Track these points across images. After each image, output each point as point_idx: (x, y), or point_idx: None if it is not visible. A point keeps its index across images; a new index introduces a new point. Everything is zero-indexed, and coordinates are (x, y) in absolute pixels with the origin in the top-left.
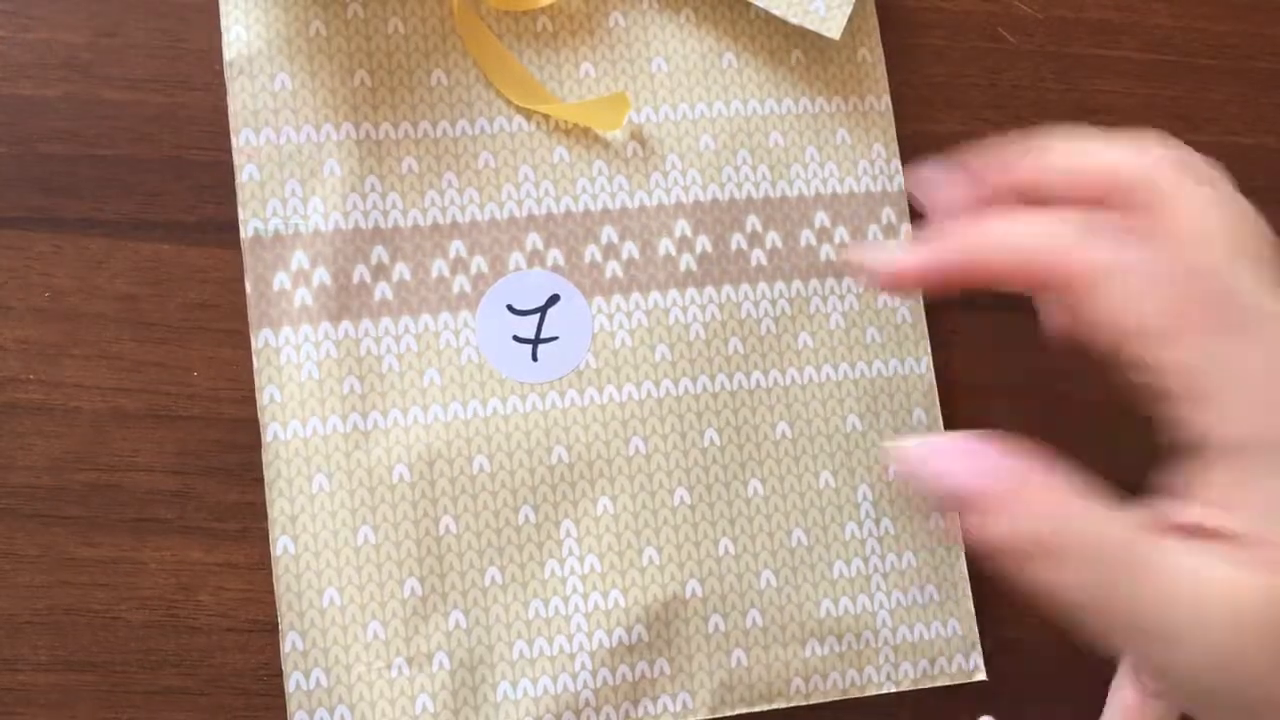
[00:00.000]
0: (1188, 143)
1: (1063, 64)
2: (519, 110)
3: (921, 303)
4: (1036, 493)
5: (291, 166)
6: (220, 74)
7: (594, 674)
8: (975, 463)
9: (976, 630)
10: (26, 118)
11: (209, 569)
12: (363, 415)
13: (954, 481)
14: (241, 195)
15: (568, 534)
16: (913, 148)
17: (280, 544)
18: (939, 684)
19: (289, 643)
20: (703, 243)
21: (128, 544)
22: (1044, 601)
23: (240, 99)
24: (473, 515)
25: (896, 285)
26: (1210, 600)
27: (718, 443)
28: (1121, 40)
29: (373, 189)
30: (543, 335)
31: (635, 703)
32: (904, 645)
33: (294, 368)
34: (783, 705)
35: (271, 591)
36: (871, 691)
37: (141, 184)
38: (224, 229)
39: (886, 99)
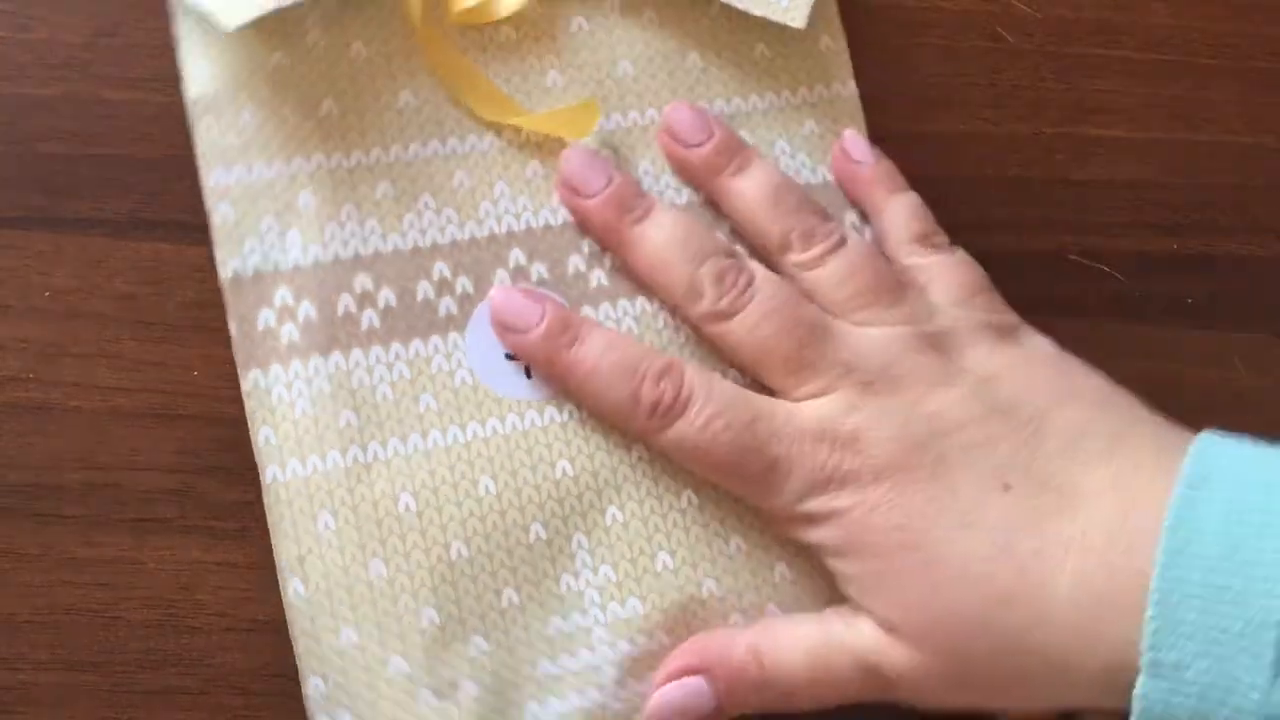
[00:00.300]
0: (1188, 142)
1: (1062, 64)
2: (489, 126)
3: None
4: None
5: (265, 202)
6: None
7: (621, 684)
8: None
9: None
10: (26, 117)
11: (209, 569)
12: (362, 447)
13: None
14: (217, 236)
15: (580, 546)
16: (912, 147)
17: (291, 587)
18: None
19: (312, 686)
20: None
21: (128, 544)
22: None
23: (207, 138)
24: (483, 538)
25: None
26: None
27: None
28: (1121, 40)
29: (349, 217)
30: None
31: None
32: None
33: (287, 406)
34: None
35: (271, 591)
36: None
37: (141, 184)
38: None
39: (852, 84)
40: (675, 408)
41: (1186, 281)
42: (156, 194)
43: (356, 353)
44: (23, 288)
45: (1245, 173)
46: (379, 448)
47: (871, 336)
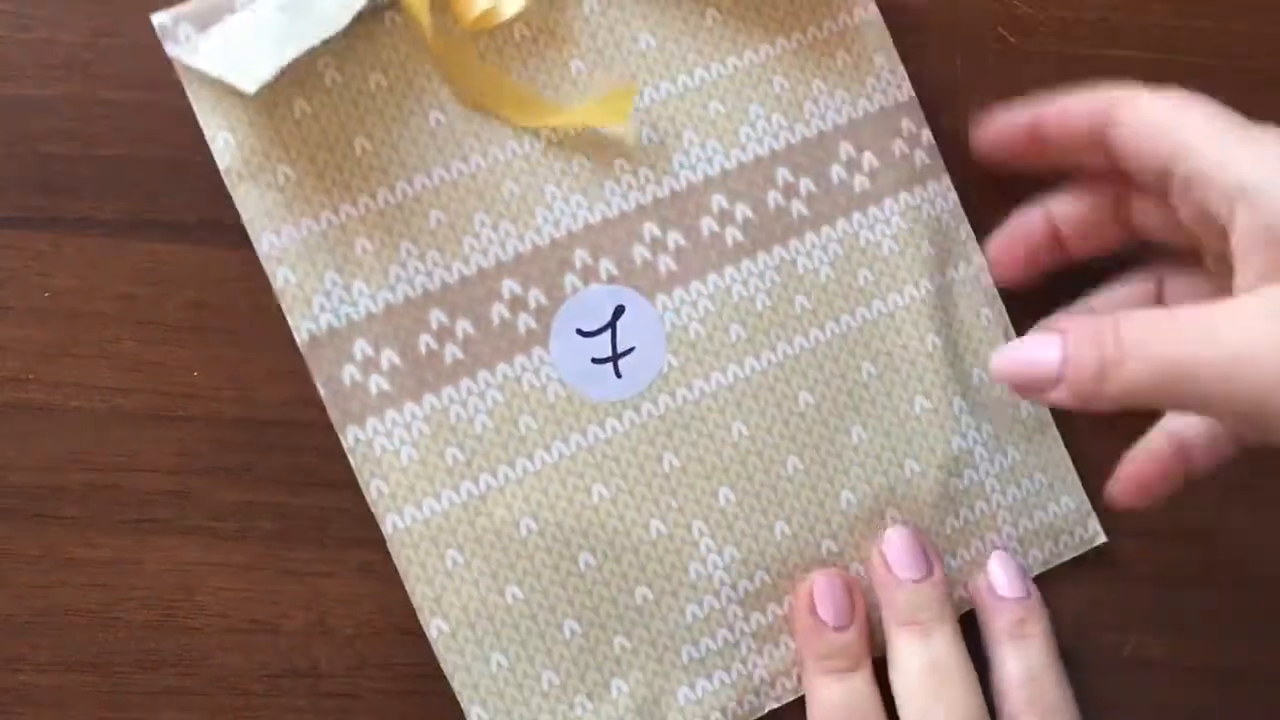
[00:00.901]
0: None
1: (1063, 64)
2: (527, 130)
3: (959, 206)
4: (1085, 332)
5: (323, 257)
6: None
7: (760, 653)
8: (1040, 353)
9: (1088, 500)
10: (26, 118)
11: (209, 569)
12: (474, 481)
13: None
14: (284, 301)
15: (700, 533)
16: None
17: (434, 626)
18: (1065, 559)
19: (474, 716)
20: (742, 210)
21: (127, 544)
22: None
23: (250, 204)
24: (607, 544)
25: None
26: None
27: (812, 402)
28: (1121, 40)
29: (409, 254)
30: (619, 350)
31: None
32: (1026, 535)
33: (391, 455)
34: None
35: (271, 591)
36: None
37: (141, 184)
38: (224, 229)
39: (873, 6)
40: None
41: None
42: (156, 194)
43: (448, 389)
44: (23, 288)
45: None
46: (490, 478)
47: None
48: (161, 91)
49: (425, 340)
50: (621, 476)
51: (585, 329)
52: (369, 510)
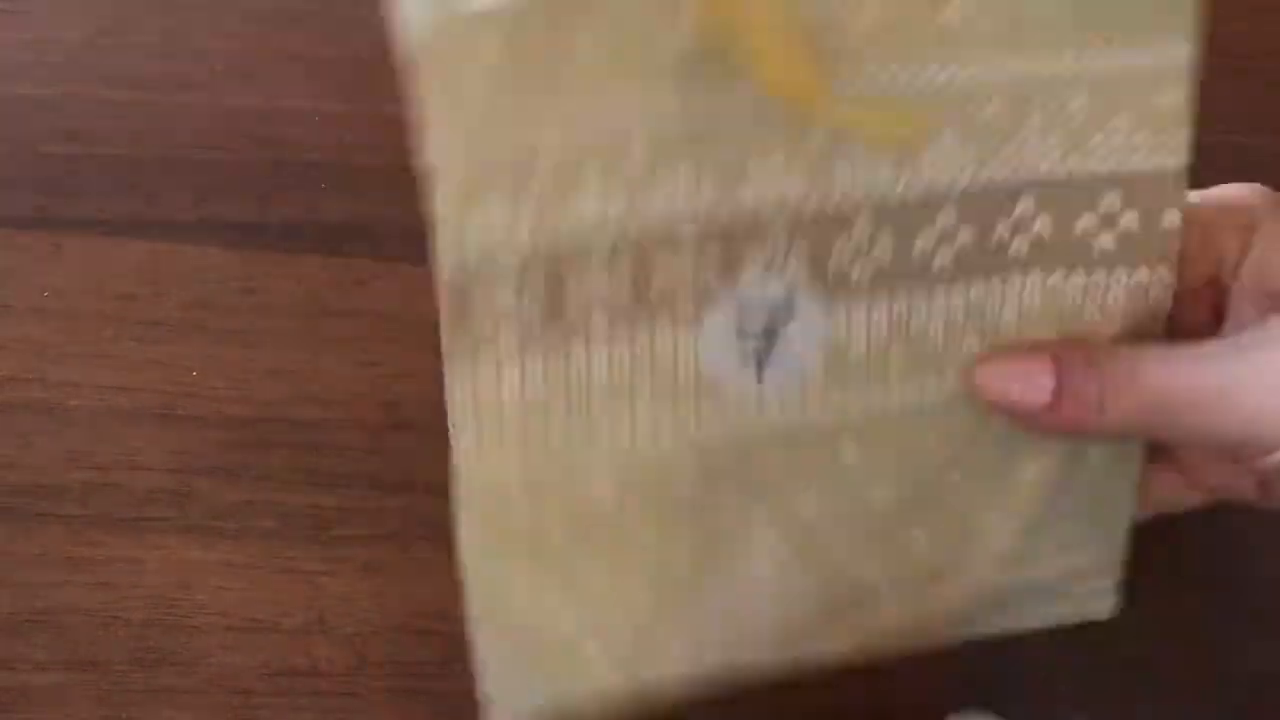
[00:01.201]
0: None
1: None
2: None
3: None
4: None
5: (496, 179)
6: (220, 74)
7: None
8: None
9: (1119, 568)
10: (27, 118)
11: (208, 568)
12: (567, 442)
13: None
14: (439, 212)
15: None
16: None
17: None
18: (1073, 617)
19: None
20: (964, 235)
21: (127, 543)
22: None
23: (436, 98)
24: (676, 536)
25: None
26: None
27: (933, 454)
28: None
29: (587, 195)
30: (770, 351)
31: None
32: (1038, 583)
33: (493, 401)
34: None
35: (271, 591)
36: (1013, 628)
37: (141, 184)
38: (224, 229)
39: (1194, 48)
40: None
41: None
42: (156, 194)
43: (577, 346)
44: (23, 288)
45: (1245, 173)
46: (587, 444)
47: None
48: (161, 91)
49: (563, 286)
50: (725, 476)
51: (746, 321)
52: (369, 509)
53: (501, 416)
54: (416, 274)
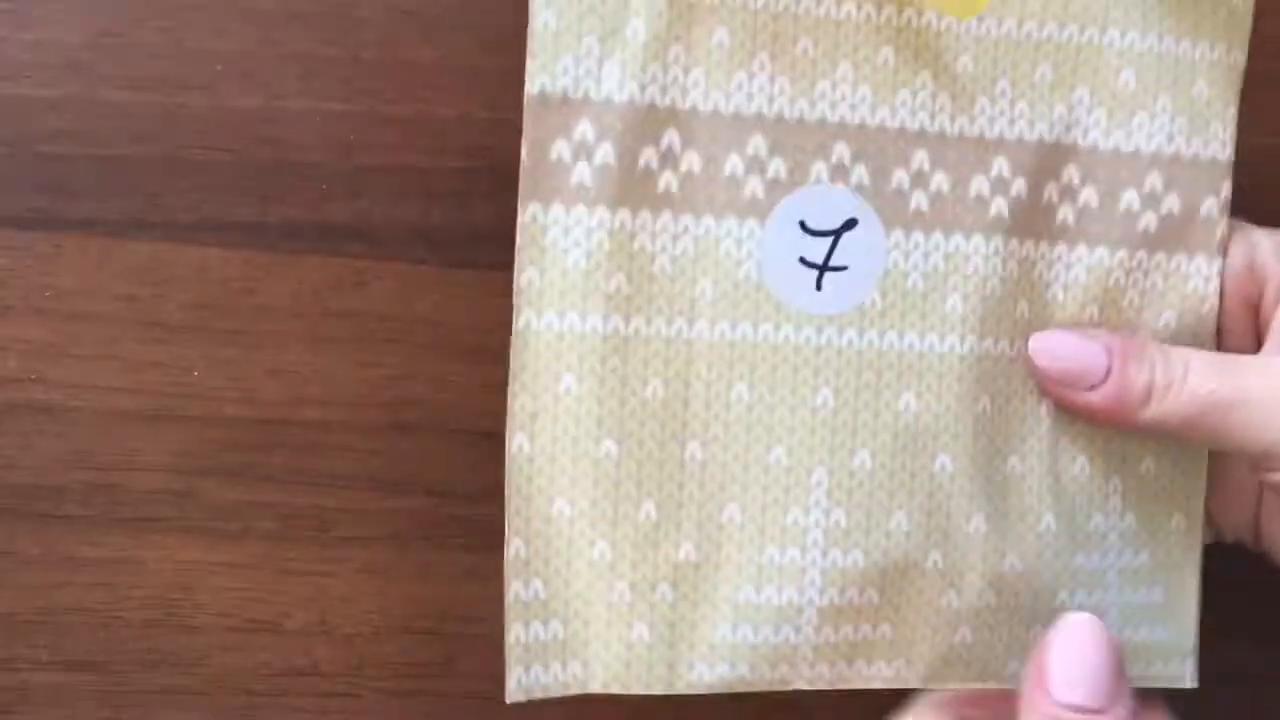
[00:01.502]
0: None
1: None
2: None
3: (1217, 294)
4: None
5: (592, 20)
6: (220, 74)
7: (817, 629)
8: (1078, 348)
9: (1196, 638)
10: (26, 118)
11: (209, 568)
12: (625, 318)
13: (1062, 366)
14: (533, 45)
15: (819, 484)
16: None
17: (516, 441)
18: (1148, 685)
19: (513, 549)
20: (1019, 187)
21: (127, 543)
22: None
23: None
24: (722, 446)
25: None
26: None
27: (988, 411)
28: None
29: (676, 60)
30: (831, 263)
31: (850, 663)
32: (1126, 646)
33: (560, 252)
34: (994, 686)
35: (271, 591)
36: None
37: (141, 184)
38: (224, 228)
39: (1244, 56)
40: None
41: None
42: (156, 194)
43: (645, 214)
44: (23, 288)
45: (1244, 173)
46: (642, 323)
47: None
48: (161, 91)
49: (648, 155)
50: (769, 388)
51: (811, 225)
52: (369, 510)
53: (563, 263)
54: (416, 274)
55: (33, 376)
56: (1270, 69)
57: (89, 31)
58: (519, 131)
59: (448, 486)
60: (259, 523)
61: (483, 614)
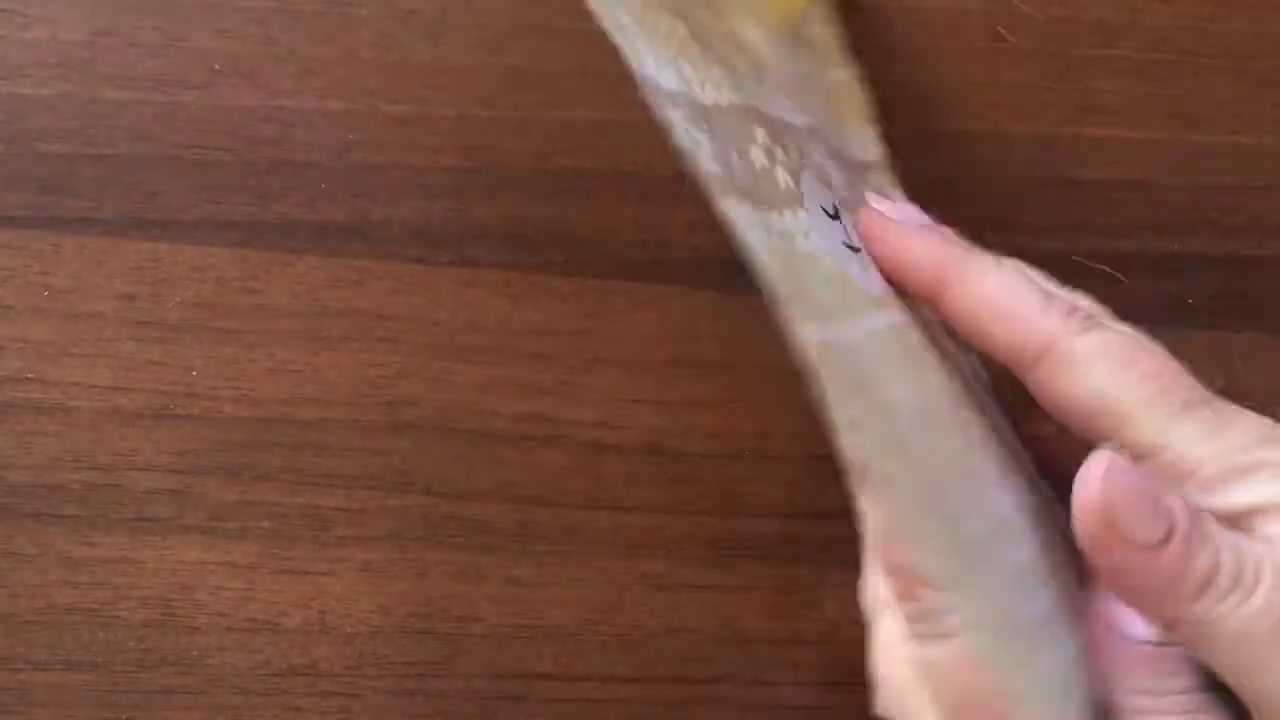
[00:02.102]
0: (1187, 142)
1: (1062, 64)
2: None
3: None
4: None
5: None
6: (220, 73)
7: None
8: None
9: None
10: (26, 117)
11: (208, 568)
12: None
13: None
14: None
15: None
16: (912, 148)
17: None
18: None
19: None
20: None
21: (126, 543)
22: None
23: None
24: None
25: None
26: None
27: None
28: (1121, 40)
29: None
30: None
31: None
32: None
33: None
34: None
35: (270, 590)
36: None
37: (141, 184)
38: (224, 228)
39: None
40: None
41: (1186, 281)
42: (155, 193)
43: (772, 214)
44: (23, 288)
45: (1245, 173)
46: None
47: None
48: (161, 91)
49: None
50: (915, 376)
51: (825, 208)
52: (369, 509)
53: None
54: (416, 274)
55: (31, 376)
56: (1271, 68)
57: (87, 30)
58: (517, 131)
59: (446, 486)
60: (257, 522)
61: (481, 613)
